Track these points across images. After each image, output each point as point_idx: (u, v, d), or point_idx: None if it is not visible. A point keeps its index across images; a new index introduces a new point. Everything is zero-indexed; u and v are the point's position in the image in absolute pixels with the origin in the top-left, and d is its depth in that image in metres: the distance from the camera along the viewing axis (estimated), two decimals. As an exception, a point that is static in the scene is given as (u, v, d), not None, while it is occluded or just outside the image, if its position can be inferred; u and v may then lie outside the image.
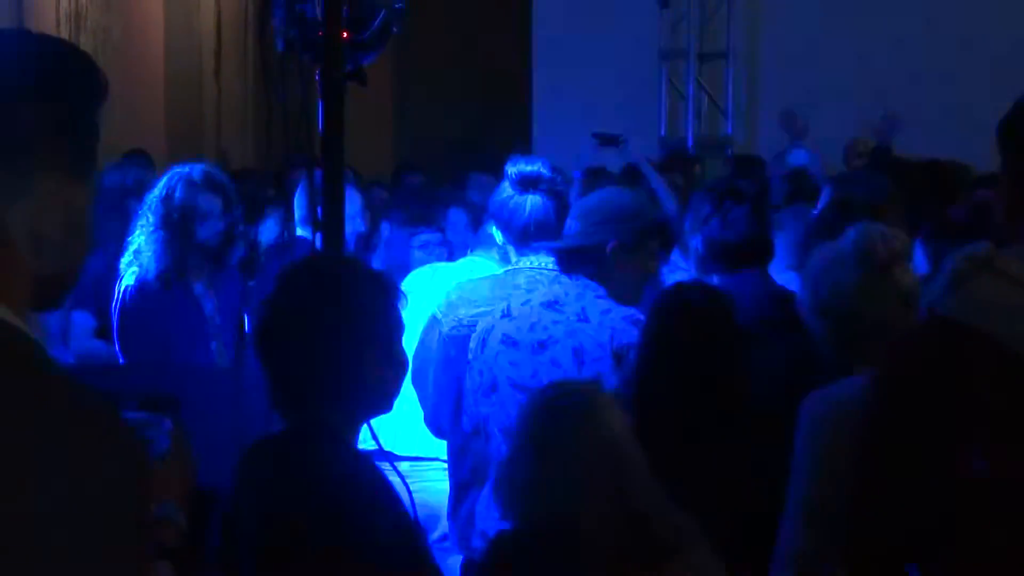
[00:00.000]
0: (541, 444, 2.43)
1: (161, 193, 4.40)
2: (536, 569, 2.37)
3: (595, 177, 6.48)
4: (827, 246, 2.77)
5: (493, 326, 3.28)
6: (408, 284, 4.19)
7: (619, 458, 2.42)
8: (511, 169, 3.49)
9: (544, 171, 3.48)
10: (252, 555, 2.10)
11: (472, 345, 3.34)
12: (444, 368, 3.52)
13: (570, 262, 3.32)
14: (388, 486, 2.16)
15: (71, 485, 1.15)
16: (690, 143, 10.35)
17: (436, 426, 3.64)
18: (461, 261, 4.50)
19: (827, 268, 2.69)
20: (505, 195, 3.49)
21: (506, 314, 3.27)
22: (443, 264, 4.55)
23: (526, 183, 3.46)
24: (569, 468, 2.38)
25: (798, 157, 7.68)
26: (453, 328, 3.49)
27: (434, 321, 3.56)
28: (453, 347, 3.49)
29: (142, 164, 5.44)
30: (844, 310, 2.63)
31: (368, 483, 2.13)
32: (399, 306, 2.25)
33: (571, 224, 3.35)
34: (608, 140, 7.02)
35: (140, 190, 4.99)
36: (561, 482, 2.38)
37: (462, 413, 3.39)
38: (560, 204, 3.50)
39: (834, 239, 2.81)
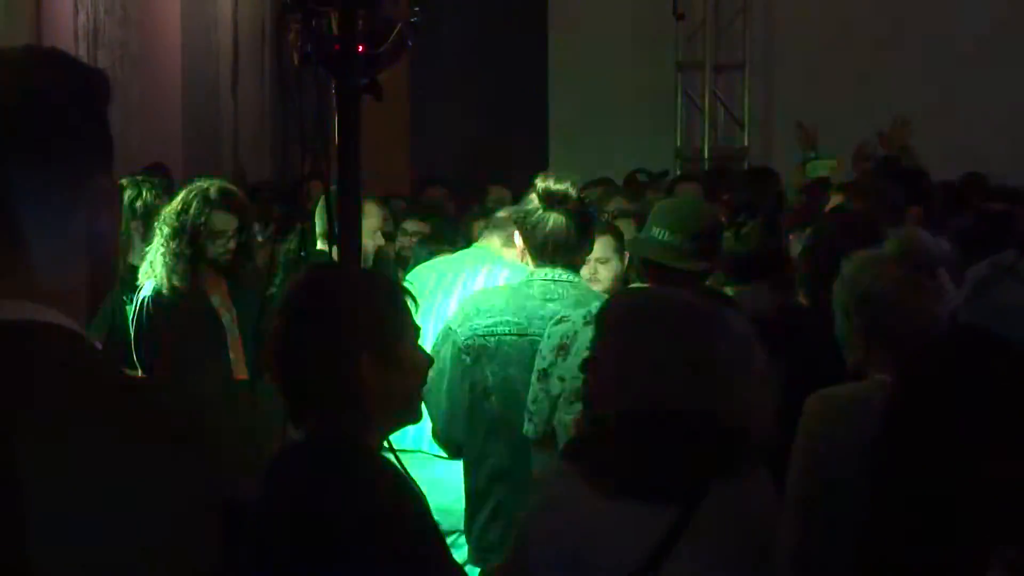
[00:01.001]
0: (677, 335, 2.40)
1: (178, 207, 4.43)
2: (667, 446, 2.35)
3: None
4: (871, 249, 2.73)
5: (576, 332, 3.24)
6: (409, 279, 4.24)
7: (749, 353, 2.42)
8: (540, 184, 3.51)
9: (572, 191, 3.49)
10: (282, 565, 2.11)
11: (545, 353, 3.30)
12: (460, 378, 3.52)
13: (665, 278, 3.30)
14: (412, 490, 2.18)
15: (162, 489, 1.18)
16: (706, 154, 10.35)
17: (447, 437, 3.62)
18: (461, 251, 4.53)
19: (868, 267, 2.65)
20: (530, 207, 3.51)
21: (589, 321, 3.24)
22: (444, 257, 4.60)
23: (552, 200, 3.47)
24: (711, 355, 2.37)
25: (819, 168, 7.62)
26: (469, 337, 3.49)
27: (448, 332, 3.57)
28: (469, 356, 3.49)
29: (154, 185, 5.34)
30: (880, 310, 2.60)
31: (393, 488, 2.14)
32: (402, 310, 2.24)
33: (682, 241, 3.33)
34: None
35: (147, 214, 4.99)
36: (703, 370, 2.36)
37: (527, 420, 3.33)
38: (583, 225, 3.51)
39: (834, 254, 2.80)
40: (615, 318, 2.54)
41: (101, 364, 1.28)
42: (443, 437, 3.64)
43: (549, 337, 3.31)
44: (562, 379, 3.23)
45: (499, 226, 4.32)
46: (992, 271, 2.01)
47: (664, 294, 2.61)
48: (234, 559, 2.07)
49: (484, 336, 3.47)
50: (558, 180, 3.51)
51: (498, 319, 3.47)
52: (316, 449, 2.19)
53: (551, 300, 3.43)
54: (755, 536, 2.36)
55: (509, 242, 4.30)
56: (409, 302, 2.26)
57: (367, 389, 2.15)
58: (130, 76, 9.62)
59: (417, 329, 2.29)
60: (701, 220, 3.39)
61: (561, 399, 3.25)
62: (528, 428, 3.31)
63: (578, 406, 3.18)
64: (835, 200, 4.51)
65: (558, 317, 3.35)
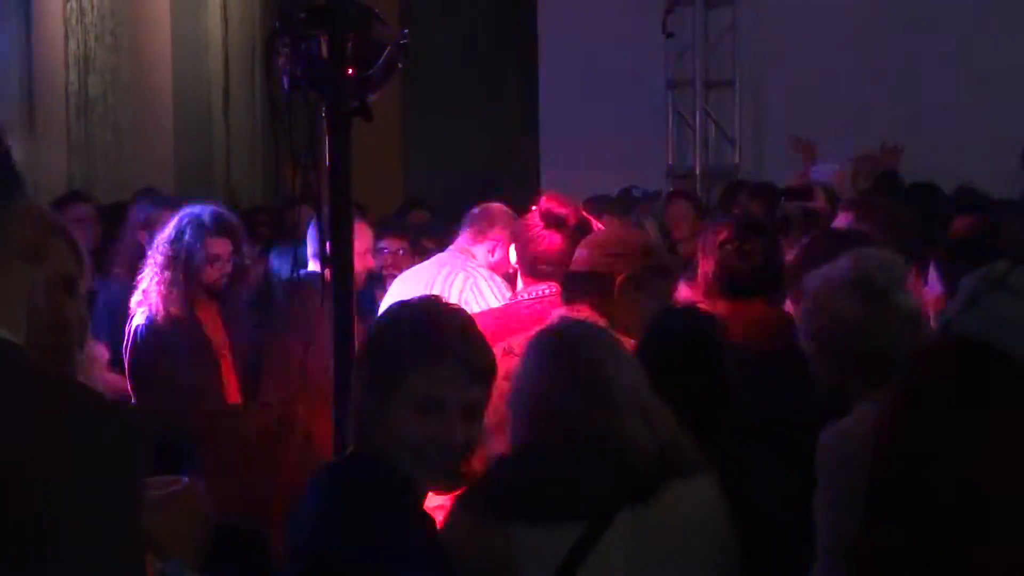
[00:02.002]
0: (568, 360, 2.44)
1: (171, 234, 4.42)
2: (565, 474, 2.34)
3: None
4: (823, 271, 2.74)
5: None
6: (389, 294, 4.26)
7: (639, 376, 2.44)
8: (544, 203, 3.55)
9: (571, 218, 3.52)
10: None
11: None
12: None
13: (575, 289, 3.32)
14: (424, 516, 2.19)
15: (71, 474, 1.30)
16: (698, 171, 10.37)
17: None
18: (434, 257, 4.55)
19: (824, 295, 2.66)
20: (531, 221, 3.54)
21: (508, 351, 3.25)
22: (418, 267, 4.63)
23: (551, 221, 3.50)
24: (601, 377, 2.39)
25: (821, 173, 7.55)
26: None
27: None
28: None
29: (155, 202, 5.48)
30: (843, 339, 2.60)
31: (407, 512, 2.15)
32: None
33: (580, 252, 3.36)
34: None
35: (151, 226, 5.04)
36: (594, 390, 2.38)
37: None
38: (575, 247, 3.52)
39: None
40: (525, 351, 2.58)
41: (46, 374, 1.43)
42: None
43: None
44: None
45: (472, 222, 4.35)
46: (984, 282, 2.01)
47: (563, 323, 2.65)
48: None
49: None
50: (562, 203, 3.55)
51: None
52: (349, 469, 2.21)
53: (541, 320, 3.42)
54: (684, 550, 2.34)
55: (479, 237, 4.33)
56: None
57: (402, 435, 2.15)
58: (121, 102, 9.63)
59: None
60: (621, 240, 3.43)
61: (486, 433, 3.25)
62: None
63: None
64: (844, 217, 4.46)
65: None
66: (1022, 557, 1.78)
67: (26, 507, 1.28)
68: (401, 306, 2.35)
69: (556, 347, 2.50)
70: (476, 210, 4.52)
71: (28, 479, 1.29)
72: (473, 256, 4.41)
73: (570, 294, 3.34)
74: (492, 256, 4.37)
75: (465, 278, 4.28)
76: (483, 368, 2.21)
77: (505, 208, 4.44)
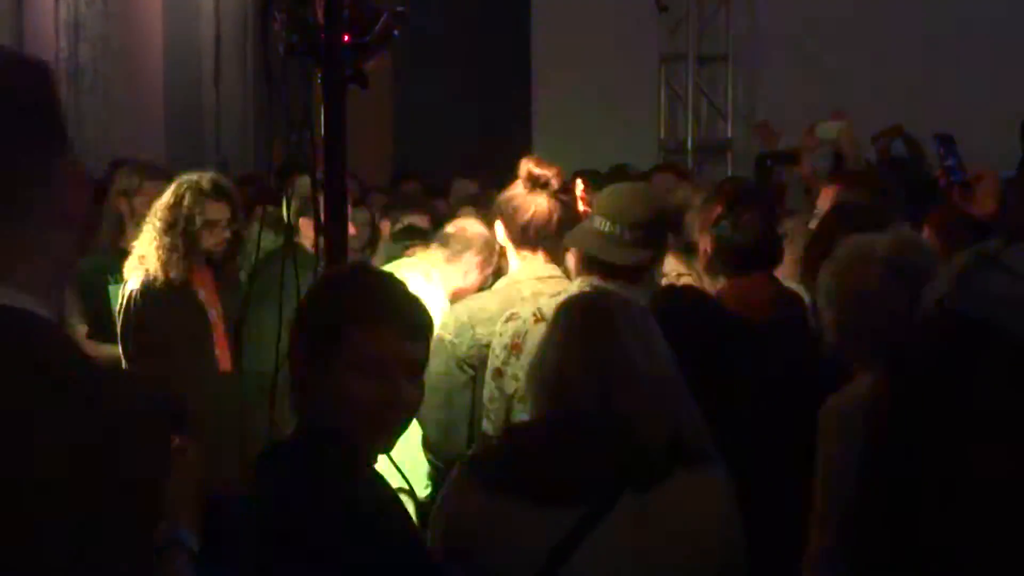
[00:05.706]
0: (589, 334, 2.37)
1: (169, 200, 4.43)
2: (577, 453, 2.31)
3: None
4: (857, 240, 2.72)
5: (527, 331, 3.22)
6: None
7: (664, 357, 2.39)
8: (525, 167, 3.48)
9: (556, 179, 3.47)
10: (263, 562, 2.08)
11: (498, 351, 3.27)
12: (460, 389, 3.47)
13: (606, 270, 3.26)
14: (392, 497, 2.16)
15: (69, 450, 1.25)
16: (690, 146, 10.36)
17: (444, 450, 3.55)
18: (395, 262, 4.44)
19: (857, 263, 2.64)
20: (515, 191, 3.48)
21: (539, 319, 3.20)
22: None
23: (536, 183, 3.44)
24: (622, 355, 2.34)
25: (828, 131, 7.43)
26: (471, 348, 3.45)
27: (441, 344, 3.48)
28: (472, 368, 3.45)
29: (132, 170, 5.38)
30: (865, 311, 2.60)
31: (374, 494, 2.12)
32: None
33: (622, 231, 3.25)
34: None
35: (129, 194, 5.01)
36: (612, 370, 2.32)
37: (485, 418, 3.31)
38: (565, 212, 3.47)
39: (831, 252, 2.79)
40: (551, 319, 2.51)
41: (70, 352, 1.34)
42: (438, 449, 3.58)
43: (501, 335, 3.29)
44: (516, 378, 3.20)
45: (445, 242, 4.22)
46: (976, 260, 2.00)
47: (592, 293, 2.56)
48: (216, 552, 2.06)
49: (487, 345, 3.40)
50: (543, 164, 3.49)
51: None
52: (304, 450, 2.12)
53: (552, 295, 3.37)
54: (684, 543, 2.31)
55: (453, 259, 4.18)
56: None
57: (351, 399, 2.09)
58: (112, 70, 9.57)
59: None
60: (643, 208, 3.31)
61: (515, 398, 3.22)
62: (487, 426, 3.30)
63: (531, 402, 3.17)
64: (828, 193, 4.38)
65: (508, 314, 3.32)
66: (1015, 537, 1.79)
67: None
68: (333, 271, 2.30)
69: (580, 318, 2.42)
70: (450, 229, 4.31)
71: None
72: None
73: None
74: (464, 280, 4.22)
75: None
76: (421, 325, 2.15)
77: (482, 233, 4.22)
